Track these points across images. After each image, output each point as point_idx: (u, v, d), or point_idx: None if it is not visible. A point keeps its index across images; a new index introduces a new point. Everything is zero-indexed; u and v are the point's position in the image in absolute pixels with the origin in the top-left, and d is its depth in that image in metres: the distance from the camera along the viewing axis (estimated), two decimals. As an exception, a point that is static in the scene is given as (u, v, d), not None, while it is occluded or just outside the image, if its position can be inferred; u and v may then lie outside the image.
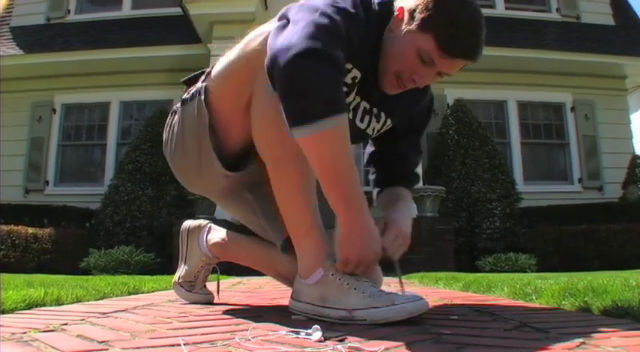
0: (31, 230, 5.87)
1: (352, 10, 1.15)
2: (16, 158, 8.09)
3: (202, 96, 1.29)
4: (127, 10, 8.74)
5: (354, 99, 1.34)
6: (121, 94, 8.22)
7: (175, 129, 1.38)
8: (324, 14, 1.07)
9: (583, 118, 8.30)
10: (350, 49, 1.12)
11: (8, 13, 9.01)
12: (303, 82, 1.02)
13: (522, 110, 8.39)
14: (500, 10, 8.76)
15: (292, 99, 1.04)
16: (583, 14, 8.85)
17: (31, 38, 8.53)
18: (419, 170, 6.36)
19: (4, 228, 5.72)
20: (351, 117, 1.36)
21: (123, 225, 6.48)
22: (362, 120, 1.40)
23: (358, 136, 1.46)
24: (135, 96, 8.11)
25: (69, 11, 8.82)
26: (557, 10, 8.90)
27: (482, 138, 7.16)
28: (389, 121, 1.47)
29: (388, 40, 1.27)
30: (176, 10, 7.54)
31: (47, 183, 8.11)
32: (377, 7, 1.27)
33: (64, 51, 8.01)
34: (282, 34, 1.07)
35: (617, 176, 7.77)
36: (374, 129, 1.45)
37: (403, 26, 1.23)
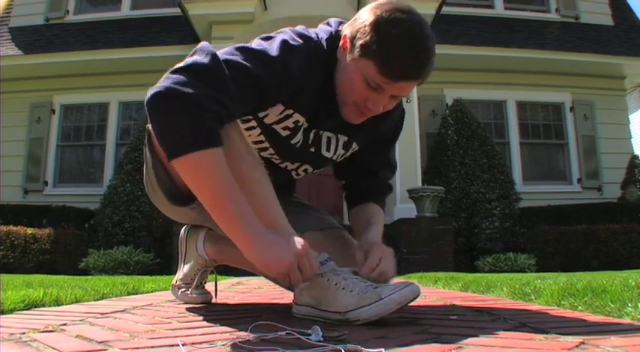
0: (30, 230, 5.86)
1: (273, 54, 1.15)
2: (15, 159, 8.09)
3: (146, 139, 1.34)
4: (125, 11, 8.74)
5: (316, 134, 1.37)
6: (120, 95, 8.21)
7: (144, 169, 1.44)
8: (211, 56, 1.09)
9: (582, 118, 8.31)
10: (271, 92, 1.16)
11: (7, 13, 9.00)
12: (157, 122, 1.06)
13: (521, 110, 8.40)
14: (499, 10, 8.77)
15: (157, 137, 1.09)
16: (582, 14, 8.87)
17: (30, 39, 8.52)
18: (417, 171, 6.29)
19: (4, 228, 5.71)
20: (313, 150, 1.39)
21: (122, 226, 6.48)
22: (328, 150, 1.42)
23: (322, 164, 1.48)
24: (134, 97, 8.08)
25: (68, 12, 8.82)
26: (557, 10, 8.91)
27: (482, 139, 7.17)
28: (354, 144, 1.48)
29: (338, 71, 1.27)
30: (175, 11, 7.54)
31: (46, 183, 8.10)
32: (325, 45, 1.28)
33: (63, 51, 8.01)
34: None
35: (617, 176, 7.78)
36: (339, 155, 1.47)
37: (348, 55, 1.23)
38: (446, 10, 7.23)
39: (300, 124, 1.32)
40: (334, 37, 1.30)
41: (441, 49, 7.10)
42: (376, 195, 1.61)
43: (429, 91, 7.80)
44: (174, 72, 1.07)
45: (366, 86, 1.21)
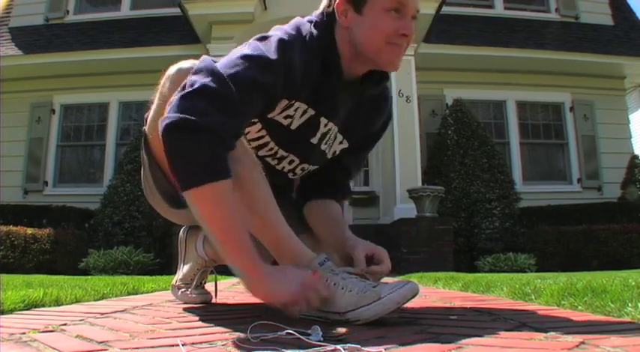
0: (30, 230, 5.86)
1: (273, 57, 1.16)
2: (15, 159, 8.08)
3: (142, 142, 1.35)
4: (125, 11, 8.73)
5: (320, 121, 1.38)
6: (120, 95, 8.21)
7: (142, 171, 1.44)
8: (216, 77, 1.09)
9: (582, 118, 8.31)
10: (277, 94, 1.20)
11: (7, 13, 9.00)
12: (172, 153, 1.07)
13: (521, 110, 8.40)
14: (499, 10, 8.77)
15: (171, 168, 1.10)
16: (582, 14, 8.86)
17: (29, 39, 8.52)
18: (417, 171, 6.27)
19: (4, 228, 5.71)
20: (315, 141, 1.41)
21: (122, 226, 6.48)
22: (325, 143, 1.44)
23: (318, 159, 1.49)
24: (134, 97, 8.08)
25: (68, 12, 8.81)
26: (556, 10, 8.91)
27: (482, 138, 7.16)
28: (345, 142, 1.49)
29: (351, 35, 1.29)
30: (175, 11, 7.53)
31: (46, 183, 8.10)
32: (316, 32, 1.30)
33: (63, 51, 8.00)
34: (174, 95, 1.10)
35: (616, 176, 7.78)
36: (334, 152, 1.49)
37: (353, 10, 1.27)
38: (446, 10, 7.23)
39: (302, 109, 1.33)
40: (324, 18, 1.33)
41: (441, 49, 7.12)
42: (339, 194, 1.60)
43: (429, 91, 7.80)
44: (184, 98, 1.06)
45: (390, 16, 1.24)
